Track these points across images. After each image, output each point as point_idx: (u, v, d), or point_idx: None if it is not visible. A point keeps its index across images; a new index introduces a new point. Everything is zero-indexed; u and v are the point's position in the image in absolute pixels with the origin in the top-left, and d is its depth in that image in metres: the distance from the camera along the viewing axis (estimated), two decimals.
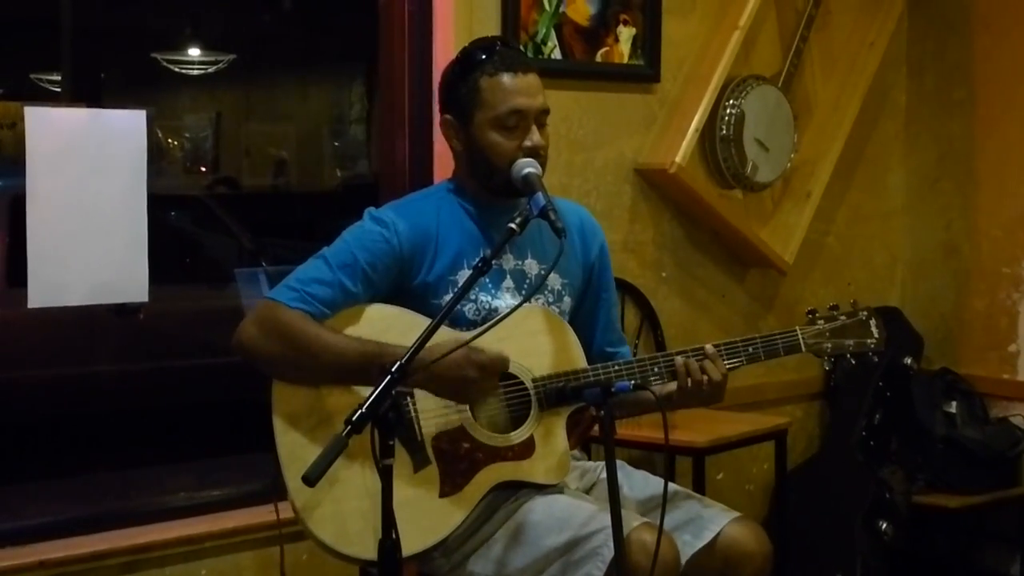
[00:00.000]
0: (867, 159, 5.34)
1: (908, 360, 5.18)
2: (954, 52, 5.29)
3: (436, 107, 3.23)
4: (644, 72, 4.56)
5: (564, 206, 3.01)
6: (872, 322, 3.15)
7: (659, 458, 4.27)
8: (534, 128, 2.94)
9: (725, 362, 2.99)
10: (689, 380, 2.94)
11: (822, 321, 3.11)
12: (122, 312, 6.37)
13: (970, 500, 4.89)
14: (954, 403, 5.09)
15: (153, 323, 6.87)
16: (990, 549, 5.20)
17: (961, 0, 5.24)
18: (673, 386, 2.99)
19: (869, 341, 3.14)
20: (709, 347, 2.98)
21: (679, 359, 2.96)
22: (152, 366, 7.07)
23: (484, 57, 2.94)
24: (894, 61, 5.36)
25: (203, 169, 11.85)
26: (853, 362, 3.14)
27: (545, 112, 2.97)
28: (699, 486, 4.05)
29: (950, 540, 5.09)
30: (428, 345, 2.62)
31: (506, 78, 2.92)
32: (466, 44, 3.07)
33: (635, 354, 4.15)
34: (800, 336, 3.08)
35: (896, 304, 5.41)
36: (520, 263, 3.04)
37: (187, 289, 7.45)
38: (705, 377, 2.94)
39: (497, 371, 2.86)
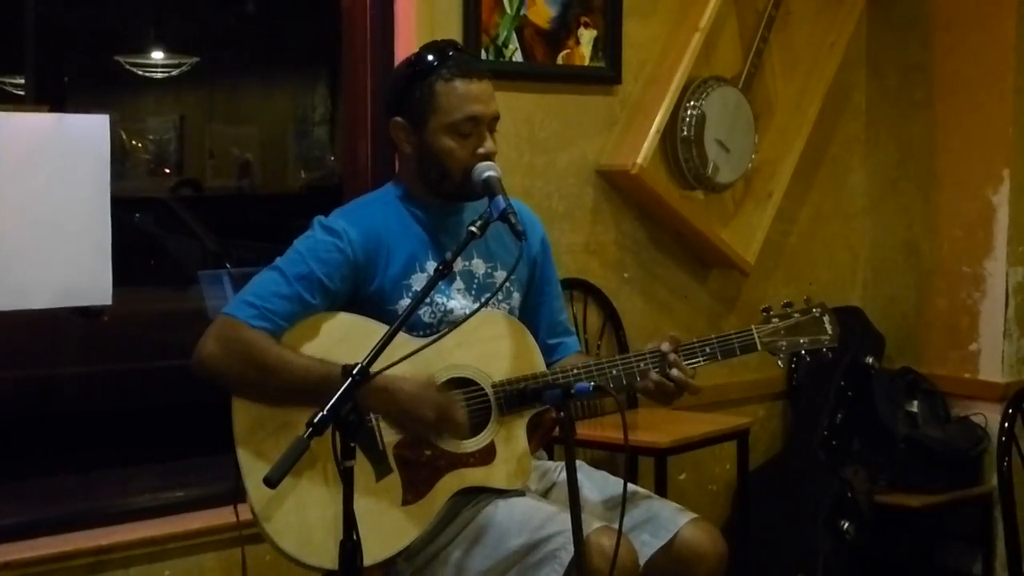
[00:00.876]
0: (828, 159, 5.37)
1: (870, 359, 5.20)
2: (914, 53, 5.31)
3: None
4: (605, 74, 4.57)
5: None
6: (826, 318, 3.17)
7: (621, 458, 4.29)
8: (488, 135, 2.96)
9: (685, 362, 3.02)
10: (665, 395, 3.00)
11: (777, 319, 3.13)
12: (86, 314, 6.35)
13: (932, 499, 4.91)
14: (916, 402, 5.11)
15: (117, 325, 6.84)
16: (952, 548, 5.23)
17: (921, 1, 5.27)
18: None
19: (823, 338, 3.16)
20: (672, 356, 3.00)
21: (652, 376, 2.99)
22: (116, 368, 7.04)
23: (439, 61, 2.94)
24: (854, 62, 5.39)
25: (167, 171, 11.83)
26: (808, 359, 3.17)
27: (496, 119, 2.99)
28: (661, 486, 4.08)
29: (912, 539, 5.12)
30: (398, 374, 2.67)
31: (462, 84, 2.93)
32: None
33: (594, 352, 4.21)
34: (756, 335, 3.10)
35: (857, 303, 5.44)
36: (467, 263, 3.05)
37: (151, 291, 7.43)
38: (672, 385, 2.99)
39: (453, 424, 2.88)
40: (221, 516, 3.78)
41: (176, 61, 10.43)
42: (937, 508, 4.97)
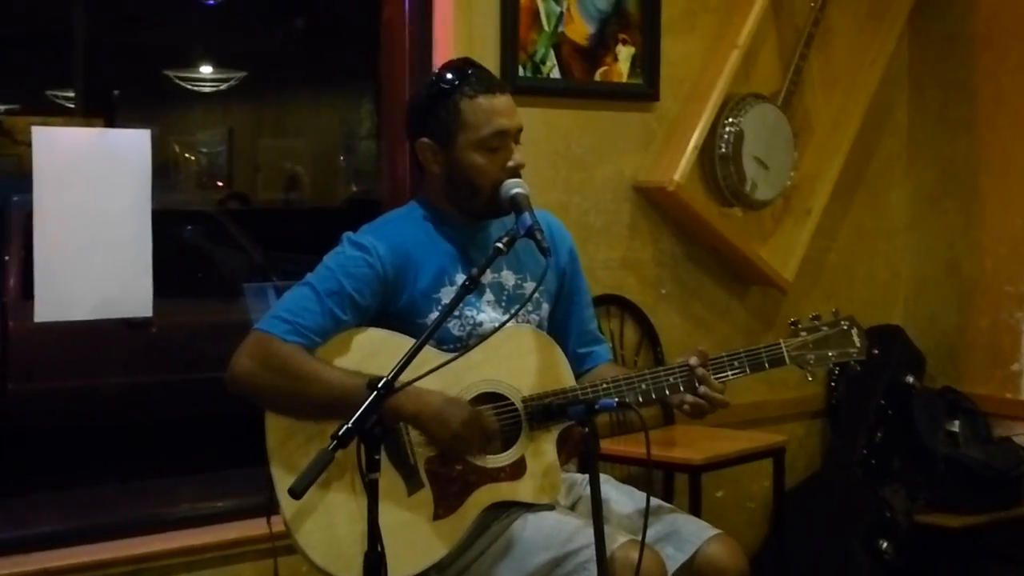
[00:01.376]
0: (869, 177, 5.36)
1: (910, 378, 5.19)
2: (955, 70, 5.30)
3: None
4: (643, 91, 4.59)
5: None
6: (854, 331, 3.16)
7: (656, 474, 4.30)
8: (515, 147, 2.98)
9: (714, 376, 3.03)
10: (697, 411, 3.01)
11: (804, 332, 3.12)
12: (134, 325, 6.43)
13: (972, 520, 4.89)
14: (956, 422, 5.09)
15: (164, 336, 6.92)
16: (992, 569, 5.17)
17: (963, 17, 5.25)
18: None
19: (851, 350, 3.15)
20: (700, 370, 3.00)
21: (687, 398, 3.00)
22: (161, 379, 7.12)
23: (460, 80, 2.97)
24: (895, 79, 5.37)
25: (220, 184, 11.94)
26: (836, 372, 3.17)
27: (520, 130, 3.01)
28: (695, 503, 4.07)
29: (951, 560, 5.07)
30: (425, 387, 2.68)
31: (486, 100, 2.95)
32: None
33: (631, 367, 4.21)
34: (784, 348, 3.09)
35: (898, 322, 5.42)
36: (497, 276, 3.06)
37: (198, 303, 7.51)
38: (704, 402, 2.99)
39: (484, 435, 2.89)
40: (257, 527, 3.81)
41: (225, 75, 10.55)
42: (977, 529, 4.94)
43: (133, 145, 3.81)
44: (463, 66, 3.02)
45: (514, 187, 2.91)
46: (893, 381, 5.15)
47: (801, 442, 5.17)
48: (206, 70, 10.47)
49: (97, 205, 3.70)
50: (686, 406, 3.00)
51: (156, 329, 6.76)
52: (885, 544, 4.81)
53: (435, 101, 2.98)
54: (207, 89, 10.66)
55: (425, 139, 3.01)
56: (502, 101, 2.97)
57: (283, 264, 8.07)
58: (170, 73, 10.28)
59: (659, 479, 4.40)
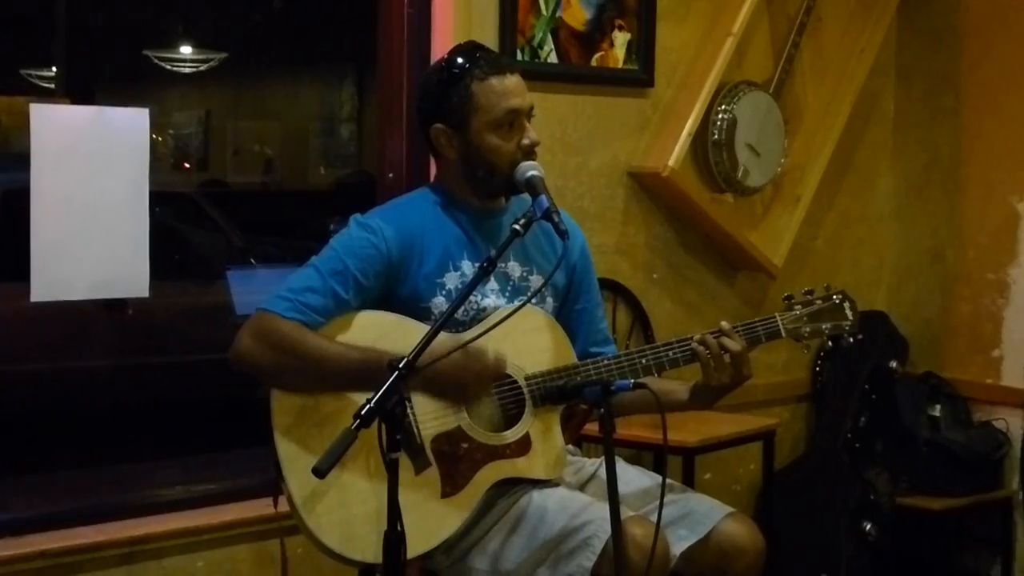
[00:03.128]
0: (856, 165, 5.40)
1: (893, 363, 5.24)
2: (942, 60, 5.35)
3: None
4: (638, 77, 4.61)
5: None
6: (846, 304, 3.19)
7: (649, 457, 4.32)
8: (527, 125, 3.00)
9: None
10: (711, 360, 2.99)
11: (799, 307, 3.16)
12: (111, 307, 6.39)
13: (953, 502, 4.96)
14: (938, 406, 5.15)
15: (142, 318, 6.88)
16: (972, 551, 5.26)
17: (950, 9, 5.30)
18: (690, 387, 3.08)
19: (844, 323, 3.19)
20: (725, 324, 3.03)
21: (696, 339, 3.01)
22: (142, 361, 7.08)
23: (470, 63, 2.98)
24: (883, 68, 5.41)
25: (187, 166, 11.89)
26: (831, 344, 3.20)
27: (532, 109, 3.04)
28: (688, 486, 4.09)
29: (933, 541, 5.15)
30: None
31: (497, 81, 2.97)
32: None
33: (618, 346, 4.23)
34: (779, 322, 3.12)
35: (882, 308, 5.47)
36: (504, 265, 3.07)
37: (175, 285, 7.46)
38: (726, 353, 2.99)
39: (495, 373, 2.92)
40: (254, 508, 3.84)
41: (204, 56, 10.50)
42: (958, 511, 5.02)
43: (130, 125, 3.81)
44: (472, 49, 3.04)
45: (529, 169, 2.93)
46: (877, 366, 5.20)
47: (787, 426, 5.21)
48: (186, 51, 10.43)
49: (94, 184, 3.69)
50: (727, 354, 2.99)
51: (132, 311, 6.71)
52: (869, 526, 4.87)
53: (447, 86, 2.99)
54: (187, 70, 10.61)
55: (439, 124, 3.02)
56: (513, 81, 2.99)
57: (262, 247, 8.05)
58: (150, 53, 10.23)
59: (649, 461, 4.42)
